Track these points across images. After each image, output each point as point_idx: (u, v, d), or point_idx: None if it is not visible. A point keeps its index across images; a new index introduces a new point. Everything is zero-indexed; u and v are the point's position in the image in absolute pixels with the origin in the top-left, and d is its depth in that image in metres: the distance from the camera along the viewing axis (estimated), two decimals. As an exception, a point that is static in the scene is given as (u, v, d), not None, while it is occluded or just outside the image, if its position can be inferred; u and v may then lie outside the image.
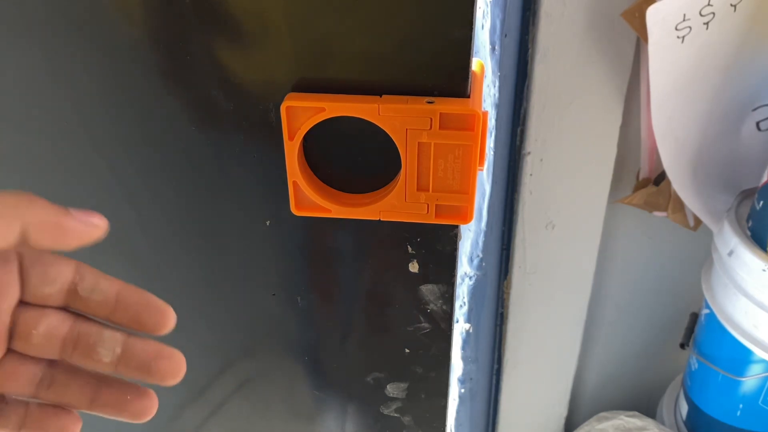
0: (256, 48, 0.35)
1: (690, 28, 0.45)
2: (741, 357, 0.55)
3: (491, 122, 0.53)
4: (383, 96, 0.34)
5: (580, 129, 0.53)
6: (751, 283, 0.50)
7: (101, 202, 0.43)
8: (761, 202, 0.49)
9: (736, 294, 0.52)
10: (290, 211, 0.37)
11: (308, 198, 0.37)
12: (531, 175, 0.55)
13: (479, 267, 0.60)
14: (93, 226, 0.26)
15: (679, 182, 0.55)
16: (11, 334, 0.26)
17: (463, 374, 0.67)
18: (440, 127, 0.33)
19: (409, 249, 0.41)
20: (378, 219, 0.37)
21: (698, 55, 0.48)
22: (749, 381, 0.56)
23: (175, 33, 0.35)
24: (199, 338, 0.49)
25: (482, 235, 0.58)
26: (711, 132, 0.53)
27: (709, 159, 0.55)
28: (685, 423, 0.65)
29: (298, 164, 0.36)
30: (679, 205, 0.58)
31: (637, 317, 0.70)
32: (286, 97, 0.34)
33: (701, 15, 0.45)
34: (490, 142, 0.54)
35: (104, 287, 0.27)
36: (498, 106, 0.52)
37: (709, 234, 0.57)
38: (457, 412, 0.69)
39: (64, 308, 0.27)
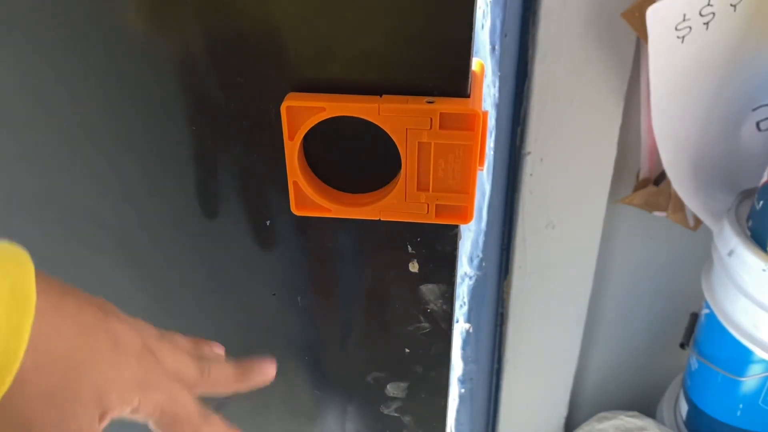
0: (256, 48, 0.35)
1: (690, 28, 0.45)
2: (741, 357, 0.55)
3: (491, 122, 0.53)
4: (383, 96, 0.34)
5: (580, 129, 0.53)
6: (751, 283, 0.50)
7: (101, 201, 0.43)
8: (761, 202, 0.49)
9: (736, 294, 0.52)
10: (290, 211, 0.37)
11: (308, 198, 0.37)
12: (531, 174, 0.55)
13: (479, 267, 0.60)
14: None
15: (679, 182, 0.55)
16: None
17: (464, 374, 0.67)
18: (440, 127, 0.33)
19: (409, 249, 0.41)
20: (378, 219, 0.37)
21: (698, 55, 0.48)
22: (749, 381, 0.56)
23: (176, 32, 0.35)
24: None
25: (482, 235, 0.58)
26: (711, 132, 0.53)
27: (709, 159, 0.55)
28: (686, 423, 0.65)
29: (298, 164, 0.36)
30: (680, 205, 0.58)
31: (638, 317, 0.70)
32: (286, 97, 0.34)
33: (701, 15, 0.45)
34: (490, 142, 0.54)
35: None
36: (498, 106, 0.52)
37: (710, 234, 0.57)
38: (458, 412, 0.69)
39: None
